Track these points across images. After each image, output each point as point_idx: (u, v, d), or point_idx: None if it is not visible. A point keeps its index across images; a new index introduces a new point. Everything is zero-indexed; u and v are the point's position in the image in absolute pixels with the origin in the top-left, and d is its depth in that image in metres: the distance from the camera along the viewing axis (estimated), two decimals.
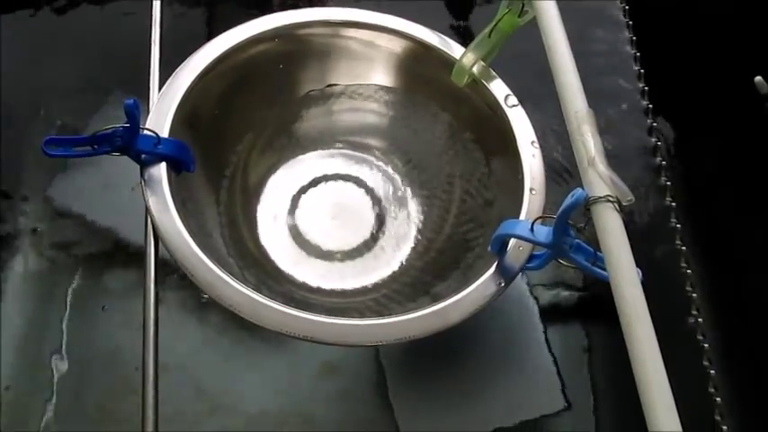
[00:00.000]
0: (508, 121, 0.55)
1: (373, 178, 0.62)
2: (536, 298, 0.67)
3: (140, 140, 0.48)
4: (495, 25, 0.54)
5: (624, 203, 0.40)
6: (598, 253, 0.45)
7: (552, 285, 0.68)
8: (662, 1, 0.83)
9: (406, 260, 0.59)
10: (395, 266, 0.59)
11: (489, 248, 0.50)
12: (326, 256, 0.59)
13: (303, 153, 0.63)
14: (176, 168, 0.51)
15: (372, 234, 0.60)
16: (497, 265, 0.49)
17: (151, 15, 0.54)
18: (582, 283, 0.69)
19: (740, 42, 0.74)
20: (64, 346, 0.63)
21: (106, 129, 0.46)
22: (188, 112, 0.53)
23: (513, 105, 0.56)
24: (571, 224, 0.44)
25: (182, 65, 0.54)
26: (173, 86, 0.53)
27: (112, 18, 0.80)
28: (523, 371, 0.65)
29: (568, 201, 0.41)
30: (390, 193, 0.62)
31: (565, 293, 0.68)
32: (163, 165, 0.49)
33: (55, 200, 0.70)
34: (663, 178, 0.70)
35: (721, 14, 0.79)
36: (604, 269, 0.45)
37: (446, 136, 0.60)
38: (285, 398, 0.60)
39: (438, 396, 0.63)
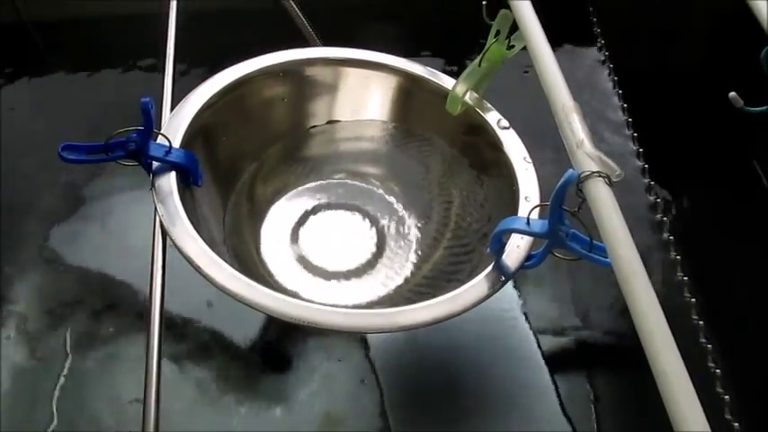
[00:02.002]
0: (501, 142, 0.58)
1: (373, 204, 0.64)
2: (540, 343, 0.68)
3: (153, 147, 0.50)
4: (484, 54, 0.58)
5: (614, 179, 0.42)
6: (594, 241, 0.46)
7: (557, 331, 0.69)
8: (645, 66, 0.90)
9: (406, 278, 0.60)
10: (395, 284, 0.59)
11: (488, 249, 0.51)
12: (329, 276, 0.60)
13: (305, 182, 0.65)
14: (185, 180, 0.53)
15: (372, 255, 0.61)
16: (496, 263, 0.50)
17: (166, 42, 0.58)
18: (585, 325, 0.69)
19: (720, 96, 0.79)
20: (57, 403, 0.62)
21: (120, 132, 0.49)
22: (198, 132, 0.56)
23: (505, 128, 0.59)
24: (565, 209, 0.45)
25: (192, 90, 0.57)
26: (184, 108, 0.56)
27: (121, 81, 0.86)
28: (532, 416, 0.64)
29: (560, 182, 0.43)
30: (389, 216, 0.64)
31: (569, 337, 0.69)
32: (173, 174, 0.52)
33: (53, 252, 0.72)
34: (665, 234, 0.72)
35: (694, 72, 0.85)
36: (602, 256, 0.47)
37: (441, 160, 0.63)
38: None
39: None
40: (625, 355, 0.68)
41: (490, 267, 0.50)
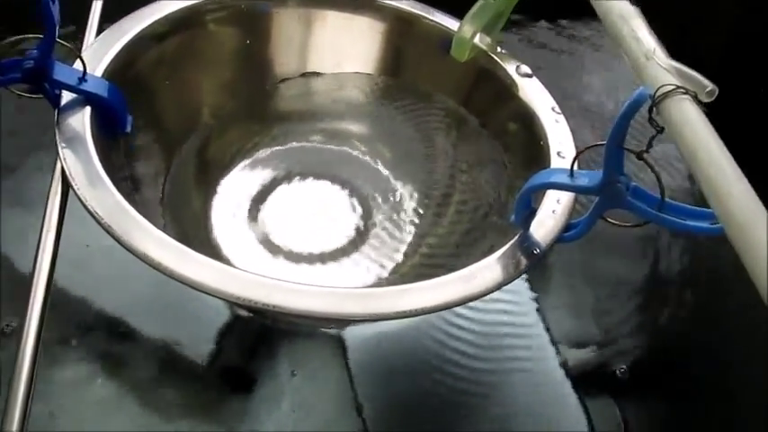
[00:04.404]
0: (522, 91, 0.46)
1: (356, 172, 0.51)
2: (566, 364, 0.55)
3: (59, 69, 0.37)
4: None
5: (704, 98, 0.30)
6: (667, 200, 0.33)
7: (581, 344, 0.56)
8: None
9: (398, 263, 0.47)
10: (385, 270, 0.46)
11: (512, 217, 0.38)
12: (299, 259, 0.46)
13: (272, 145, 0.52)
14: (105, 121, 0.39)
15: (356, 235, 0.48)
16: (523, 234, 0.37)
17: None
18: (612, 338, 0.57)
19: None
20: None
21: (10, 41, 0.35)
22: (129, 65, 0.43)
23: (527, 75, 0.47)
24: (628, 149, 0.33)
25: (128, 15, 0.44)
26: (112, 34, 0.43)
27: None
28: None
29: (625, 106, 0.31)
30: (376, 187, 0.51)
31: (596, 353, 0.56)
32: (87, 110, 0.38)
33: None
34: None
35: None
36: (677, 217, 0.34)
37: (444, 119, 0.51)
38: None
39: None
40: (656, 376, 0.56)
41: (515, 239, 0.37)
